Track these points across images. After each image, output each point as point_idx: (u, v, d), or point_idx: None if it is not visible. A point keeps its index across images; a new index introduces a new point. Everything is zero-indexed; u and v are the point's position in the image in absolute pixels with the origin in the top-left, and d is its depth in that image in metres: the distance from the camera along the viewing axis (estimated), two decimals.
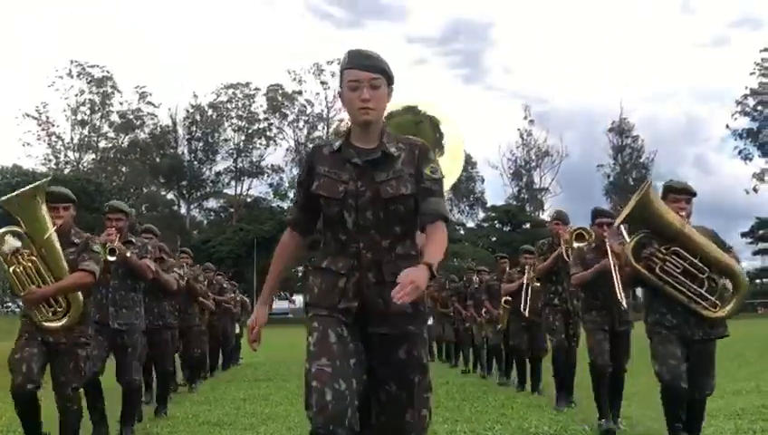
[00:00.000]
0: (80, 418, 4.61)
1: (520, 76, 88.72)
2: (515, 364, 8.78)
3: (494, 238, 58.61)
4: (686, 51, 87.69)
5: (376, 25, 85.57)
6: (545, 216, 57.78)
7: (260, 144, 64.17)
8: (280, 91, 63.77)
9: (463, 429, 5.64)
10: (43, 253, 4.32)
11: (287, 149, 63.50)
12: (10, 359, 4.31)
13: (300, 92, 63.82)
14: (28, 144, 64.11)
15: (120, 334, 5.30)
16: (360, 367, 2.56)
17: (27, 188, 4.43)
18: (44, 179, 4.59)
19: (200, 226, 64.40)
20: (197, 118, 63.76)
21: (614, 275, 5.27)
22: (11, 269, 4.27)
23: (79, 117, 62.21)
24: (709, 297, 4.29)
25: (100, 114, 62.83)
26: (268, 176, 64.03)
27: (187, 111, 63.53)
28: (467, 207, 65.24)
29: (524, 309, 7.86)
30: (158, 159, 62.85)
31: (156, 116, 63.68)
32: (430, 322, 12.60)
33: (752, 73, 58.40)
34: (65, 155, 62.25)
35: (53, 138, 61.69)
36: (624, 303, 5.34)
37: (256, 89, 63.91)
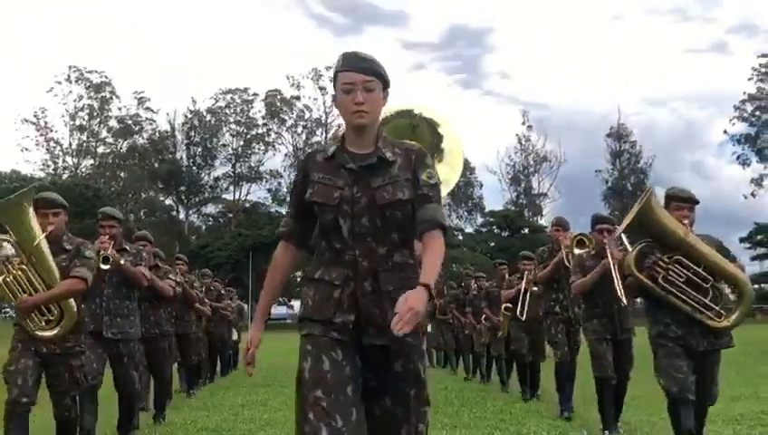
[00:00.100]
0: (77, 426, 4.58)
1: (518, 81, 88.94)
2: (517, 370, 8.69)
3: (492, 244, 58.64)
4: (684, 56, 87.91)
5: (375, 31, 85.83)
6: (543, 221, 57.85)
7: (258, 149, 64.19)
8: (278, 97, 63.77)
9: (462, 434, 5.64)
10: (33, 261, 4.23)
11: (286, 155, 63.55)
12: (5, 371, 4.24)
13: (298, 98, 63.90)
14: (26, 149, 64.13)
15: (115, 344, 5.22)
16: (359, 391, 2.46)
17: (13, 196, 4.34)
18: (31, 186, 4.52)
19: (199, 231, 64.32)
20: (196, 123, 63.73)
21: (614, 274, 5.16)
22: (1, 279, 4.18)
23: (77, 122, 62.21)
24: (714, 307, 4.22)
25: (98, 120, 62.81)
26: (266, 181, 64.10)
27: (186, 117, 63.58)
28: (466, 213, 65.27)
29: (522, 314, 7.86)
30: (156, 165, 62.78)
31: (154, 121, 63.77)
32: (429, 329, 12.60)
33: (749, 79, 58.55)
34: (64, 160, 62.25)
35: (52, 143, 61.68)
36: (625, 300, 5.19)
37: (255, 94, 64.01)
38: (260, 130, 64.28)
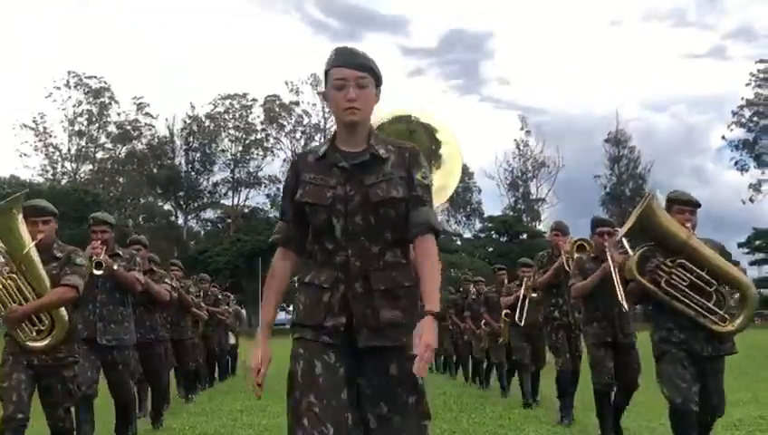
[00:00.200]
0: None
1: (516, 87, 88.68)
2: (518, 377, 8.54)
3: (490, 249, 58.56)
4: (682, 61, 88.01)
5: (373, 37, 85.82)
6: (542, 226, 57.81)
7: (257, 155, 64.14)
8: (277, 102, 63.77)
9: None
10: (23, 269, 4.15)
11: (284, 160, 63.34)
12: None
13: (297, 103, 63.90)
14: (25, 155, 63.70)
15: (109, 351, 5.13)
16: (353, 394, 2.42)
17: (3, 202, 4.25)
18: (20, 193, 4.36)
19: (197, 236, 64.22)
20: (195, 129, 63.69)
21: (614, 277, 5.08)
22: None
23: (76, 128, 62.11)
24: (718, 311, 4.14)
25: (97, 125, 62.73)
26: (265, 186, 63.99)
27: (185, 122, 63.49)
28: (464, 218, 65.21)
29: (520, 320, 7.83)
30: (155, 170, 62.74)
31: (153, 127, 63.71)
32: None
33: (747, 84, 58.58)
34: (62, 166, 62.13)
35: (51, 148, 61.53)
36: (626, 305, 5.10)
37: (253, 100, 63.93)
38: (259, 136, 64.25)
